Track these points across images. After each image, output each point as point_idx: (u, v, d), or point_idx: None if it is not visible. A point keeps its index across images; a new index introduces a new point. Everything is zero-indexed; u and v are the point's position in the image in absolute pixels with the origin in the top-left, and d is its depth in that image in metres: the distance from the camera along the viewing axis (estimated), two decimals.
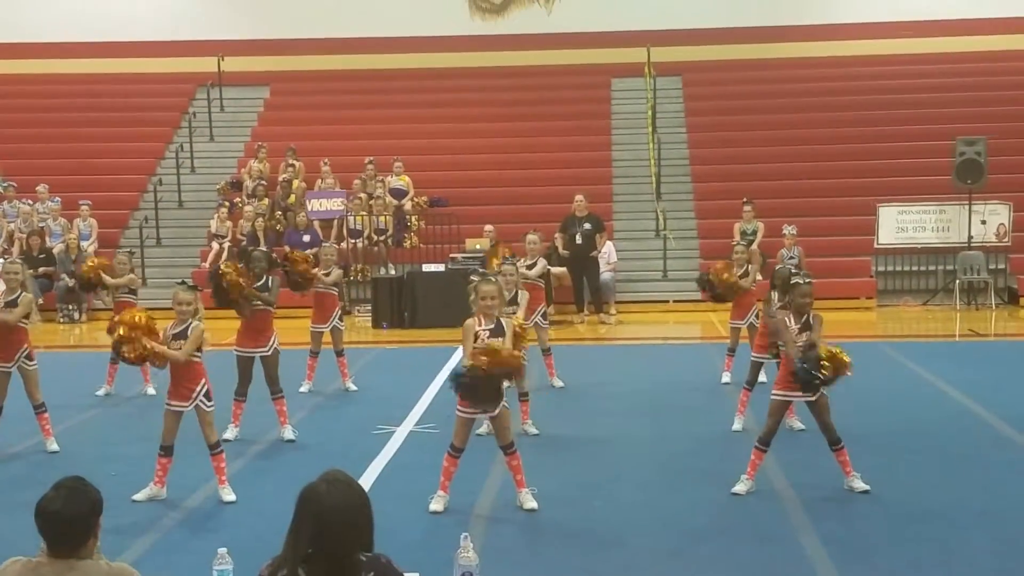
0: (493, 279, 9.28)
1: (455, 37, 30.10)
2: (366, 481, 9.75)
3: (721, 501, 9.37)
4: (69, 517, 4.41)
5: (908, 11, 29.66)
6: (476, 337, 8.97)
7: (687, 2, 30.11)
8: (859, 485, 9.41)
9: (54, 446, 11.33)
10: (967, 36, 29.33)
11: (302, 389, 14.16)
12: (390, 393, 14.25)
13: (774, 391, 9.53)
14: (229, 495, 9.46)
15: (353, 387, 14.42)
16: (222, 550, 6.61)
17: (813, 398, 9.27)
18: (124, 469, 10.41)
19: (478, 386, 8.78)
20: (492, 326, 9.01)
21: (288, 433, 11.69)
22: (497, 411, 9.01)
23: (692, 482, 10.07)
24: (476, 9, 31.08)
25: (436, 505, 9.05)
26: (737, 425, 11.86)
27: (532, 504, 9.05)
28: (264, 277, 11.86)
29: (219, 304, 11.76)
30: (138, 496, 9.40)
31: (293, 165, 25.41)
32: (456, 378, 8.90)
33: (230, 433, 11.57)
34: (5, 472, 10.78)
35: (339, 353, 14.35)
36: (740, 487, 9.44)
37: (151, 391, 14.04)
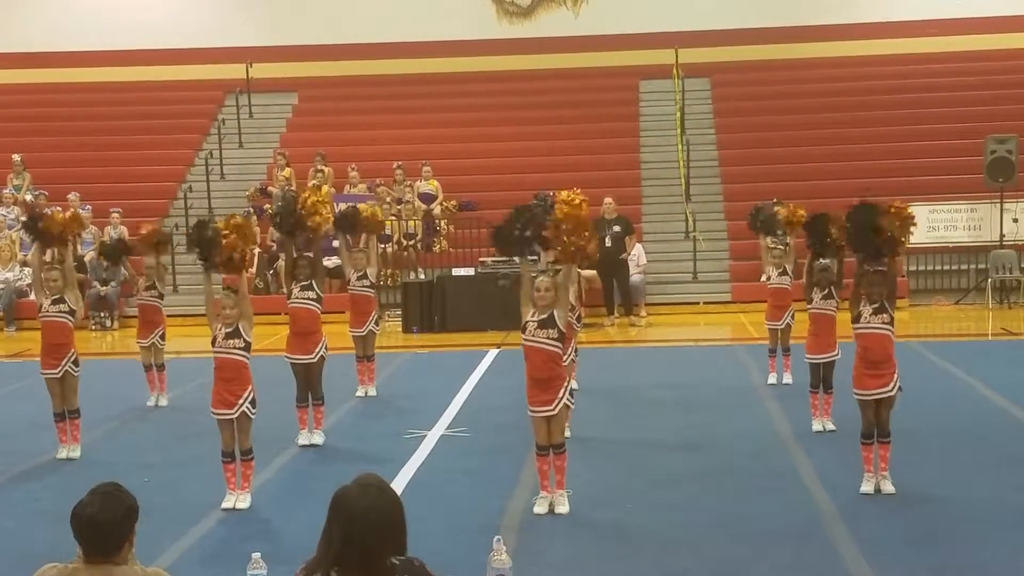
0: (551, 274, 9.16)
1: (482, 41, 30.10)
2: (398, 485, 9.75)
3: (755, 502, 9.34)
4: (105, 522, 4.43)
5: (936, 9, 29.48)
6: (524, 328, 9.01)
7: (715, 3, 30.01)
8: (888, 487, 9.38)
9: (64, 453, 11.39)
10: (996, 33, 29.11)
11: (358, 393, 14.23)
12: (421, 397, 14.26)
13: (854, 390, 9.46)
14: (244, 502, 9.47)
15: (373, 392, 14.43)
16: (256, 555, 6.62)
17: (892, 392, 9.29)
18: (158, 476, 10.46)
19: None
20: (543, 317, 8.96)
21: (316, 438, 11.72)
22: (556, 410, 9.00)
23: (726, 483, 10.04)
24: (503, 13, 31.07)
25: (539, 507, 9.05)
26: (817, 426, 11.76)
27: (564, 508, 9.03)
28: (309, 281, 11.87)
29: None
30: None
31: (322, 171, 25.47)
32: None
33: (319, 438, 11.68)
34: (41, 478, 10.85)
35: (369, 357, 14.37)
36: (867, 486, 9.38)
37: (163, 402, 14.10)
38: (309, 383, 11.72)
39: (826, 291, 11.74)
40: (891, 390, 9.31)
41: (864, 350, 9.34)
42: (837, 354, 11.73)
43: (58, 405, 11.40)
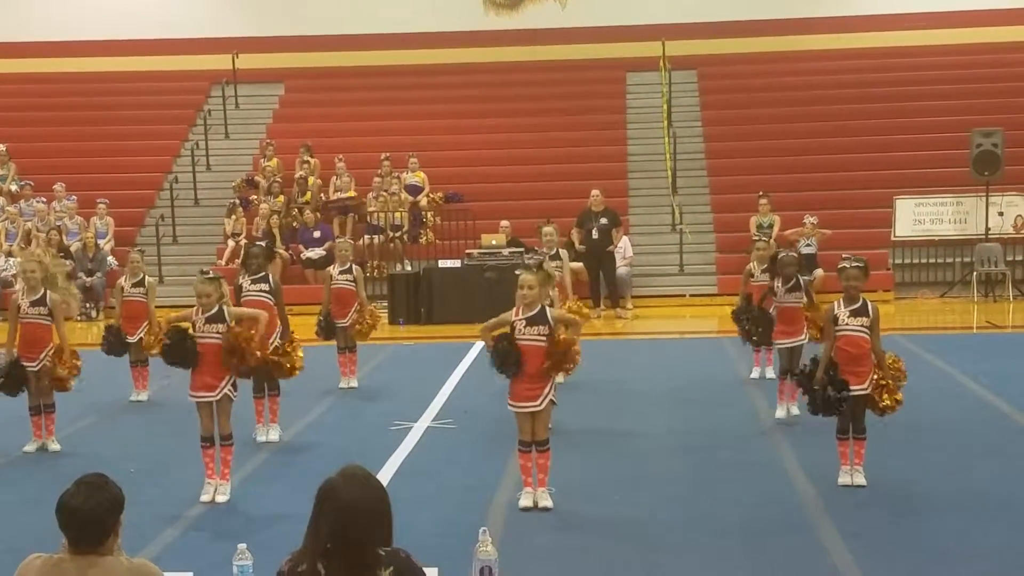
0: (535, 269, 8.99)
1: (469, 32, 30.06)
2: (384, 476, 9.75)
3: (741, 495, 9.36)
4: (90, 512, 4.43)
5: (923, 2, 29.50)
6: (512, 328, 8.86)
7: None
8: (860, 479, 9.41)
9: (32, 447, 11.34)
10: (982, 27, 29.16)
11: (341, 385, 14.20)
12: (407, 389, 14.25)
13: None
14: (224, 495, 9.40)
15: (355, 384, 14.35)
16: (241, 546, 6.62)
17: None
18: (143, 467, 10.44)
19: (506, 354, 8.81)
20: (532, 314, 8.81)
21: (272, 434, 11.52)
22: (542, 405, 8.91)
23: (712, 476, 10.07)
24: (490, 4, 31.01)
25: (524, 501, 9.01)
26: (780, 413, 11.82)
27: (547, 503, 8.99)
28: (263, 272, 11.71)
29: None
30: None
31: (308, 162, 25.43)
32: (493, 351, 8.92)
33: (275, 434, 11.51)
34: (25, 469, 10.82)
35: (351, 348, 14.32)
36: (844, 478, 9.44)
37: (143, 396, 14.01)
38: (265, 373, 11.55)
39: (791, 283, 11.80)
40: (867, 388, 9.33)
41: (840, 350, 9.36)
42: (804, 339, 11.81)
43: (34, 399, 11.35)
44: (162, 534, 8.49)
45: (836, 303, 9.47)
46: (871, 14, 29.73)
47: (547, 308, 8.98)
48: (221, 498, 9.38)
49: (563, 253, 14.35)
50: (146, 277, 14.08)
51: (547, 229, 14.48)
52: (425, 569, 4.33)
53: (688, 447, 11.18)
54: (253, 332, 9.57)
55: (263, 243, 11.99)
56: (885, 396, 9.32)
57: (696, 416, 12.54)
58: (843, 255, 9.70)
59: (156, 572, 4.59)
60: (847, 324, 9.32)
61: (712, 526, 8.57)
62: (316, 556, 4.19)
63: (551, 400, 8.97)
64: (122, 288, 14.02)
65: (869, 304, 9.37)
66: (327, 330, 14.06)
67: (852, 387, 9.31)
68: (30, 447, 11.34)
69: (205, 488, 9.43)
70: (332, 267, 14.40)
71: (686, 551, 8.08)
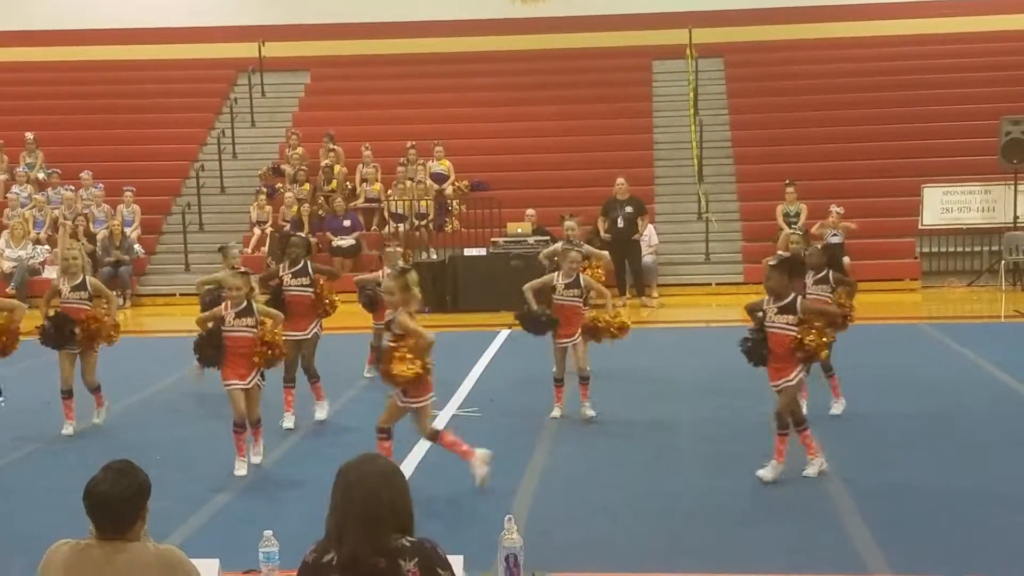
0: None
1: (495, 20, 30.02)
2: (409, 465, 9.80)
3: (765, 484, 9.33)
4: (117, 499, 4.46)
5: None
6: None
7: None
8: (811, 470, 9.37)
9: (69, 430, 11.49)
10: (1012, 14, 28.99)
11: (366, 374, 14.17)
12: (432, 377, 14.20)
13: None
14: (257, 456, 10.05)
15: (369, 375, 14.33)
16: (268, 532, 6.63)
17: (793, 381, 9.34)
18: (170, 453, 10.50)
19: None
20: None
21: (319, 412, 11.85)
22: (417, 405, 9.38)
23: (737, 465, 10.02)
24: None
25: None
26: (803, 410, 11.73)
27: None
28: (302, 262, 11.86)
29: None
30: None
31: (334, 150, 25.46)
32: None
33: (288, 421, 11.62)
34: (54, 455, 10.89)
35: None
36: (767, 472, 9.32)
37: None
38: (301, 360, 11.69)
39: (820, 274, 11.61)
40: (792, 381, 9.28)
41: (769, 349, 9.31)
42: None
43: (67, 382, 11.43)
44: (189, 520, 8.54)
45: (766, 299, 9.38)
46: (899, 1, 29.56)
47: (398, 315, 9.17)
48: (256, 459, 9.96)
49: (586, 247, 14.31)
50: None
51: (569, 223, 14.43)
52: (450, 557, 4.34)
53: (713, 436, 11.15)
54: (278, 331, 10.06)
55: (301, 234, 12.26)
56: (811, 334, 9.13)
57: (722, 405, 12.51)
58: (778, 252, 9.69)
59: (183, 558, 4.61)
60: (773, 321, 9.24)
61: (737, 515, 8.56)
62: (337, 541, 4.20)
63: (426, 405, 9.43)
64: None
65: (798, 301, 9.27)
66: (372, 301, 13.96)
67: (774, 381, 9.35)
68: (67, 430, 11.46)
69: (237, 465, 9.80)
70: (381, 271, 14.19)
71: (711, 539, 8.07)
